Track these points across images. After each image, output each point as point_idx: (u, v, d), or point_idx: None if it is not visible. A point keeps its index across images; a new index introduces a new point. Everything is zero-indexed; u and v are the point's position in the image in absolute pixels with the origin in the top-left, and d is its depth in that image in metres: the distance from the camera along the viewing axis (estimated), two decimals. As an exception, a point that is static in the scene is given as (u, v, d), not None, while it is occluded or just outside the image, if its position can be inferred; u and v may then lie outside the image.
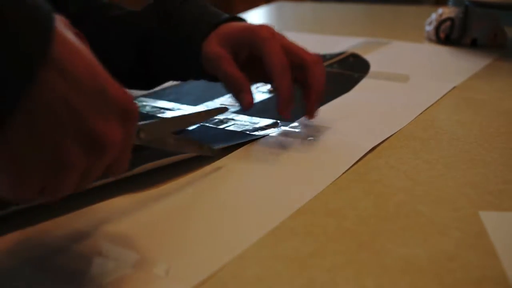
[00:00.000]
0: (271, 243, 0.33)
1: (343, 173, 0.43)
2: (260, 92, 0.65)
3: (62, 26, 0.26)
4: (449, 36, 0.92)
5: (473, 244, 0.33)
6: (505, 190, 0.40)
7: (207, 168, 0.44)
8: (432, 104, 0.60)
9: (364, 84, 0.70)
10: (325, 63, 0.80)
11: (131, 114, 0.29)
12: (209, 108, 0.53)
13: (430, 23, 0.98)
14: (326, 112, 0.57)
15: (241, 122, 0.54)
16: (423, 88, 0.67)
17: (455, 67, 0.79)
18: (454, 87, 0.67)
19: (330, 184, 0.41)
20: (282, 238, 0.34)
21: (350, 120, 0.55)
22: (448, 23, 0.92)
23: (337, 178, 0.42)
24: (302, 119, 0.54)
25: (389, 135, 0.50)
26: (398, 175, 0.43)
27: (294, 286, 0.29)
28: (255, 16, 1.39)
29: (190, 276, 0.30)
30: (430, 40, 0.97)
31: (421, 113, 0.57)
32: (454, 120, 0.55)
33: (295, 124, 0.53)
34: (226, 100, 0.62)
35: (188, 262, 0.31)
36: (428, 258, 0.31)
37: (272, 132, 0.51)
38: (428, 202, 0.38)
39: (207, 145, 0.44)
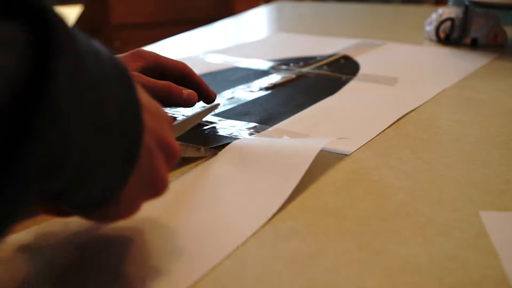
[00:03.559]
0: (271, 243, 0.33)
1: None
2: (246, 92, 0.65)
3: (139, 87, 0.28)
4: (449, 36, 0.92)
5: (474, 244, 0.33)
6: (506, 190, 0.40)
7: (185, 168, 0.44)
8: (419, 106, 0.60)
9: (350, 86, 0.68)
10: (315, 65, 0.79)
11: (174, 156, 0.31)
12: (204, 107, 0.52)
13: (430, 23, 0.98)
14: (308, 114, 0.56)
15: (221, 126, 0.53)
16: (408, 91, 0.65)
17: (455, 67, 0.79)
18: (444, 89, 0.66)
19: (330, 184, 0.41)
20: (282, 238, 0.34)
21: (325, 126, 0.53)
22: (448, 23, 0.92)
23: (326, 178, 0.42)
24: (279, 125, 0.53)
25: (362, 143, 0.49)
26: (398, 175, 0.42)
27: (294, 286, 0.29)
28: (255, 16, 1.39)
29: (186, 275, 0.30)
30: (430, 40, 0.97)
31: (406, 114, 0.57)
32: (454, 120, 0.55)
33: (271, 129, 0.52)
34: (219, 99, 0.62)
35: (183, 262, 0.31)
36: (428, 258, 0.31)
37: (250, 135, 0.50)
38: (428, 202, 0.38)
39: (202, 147, 0.46)
